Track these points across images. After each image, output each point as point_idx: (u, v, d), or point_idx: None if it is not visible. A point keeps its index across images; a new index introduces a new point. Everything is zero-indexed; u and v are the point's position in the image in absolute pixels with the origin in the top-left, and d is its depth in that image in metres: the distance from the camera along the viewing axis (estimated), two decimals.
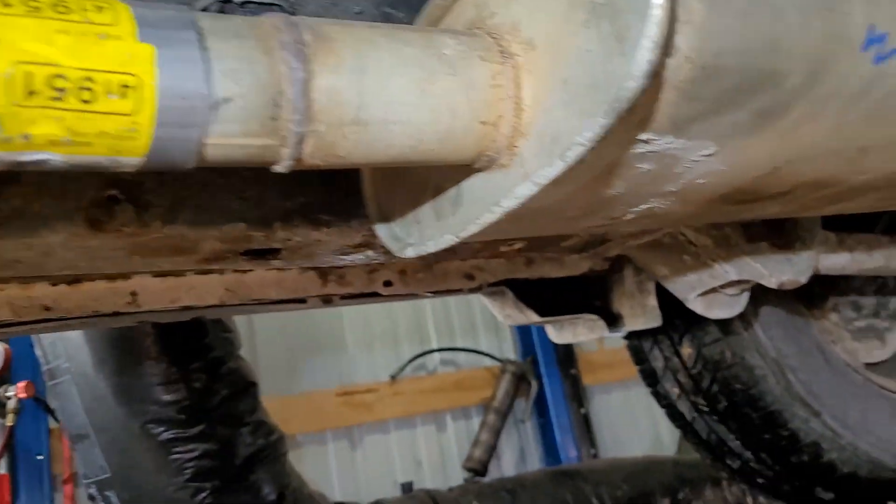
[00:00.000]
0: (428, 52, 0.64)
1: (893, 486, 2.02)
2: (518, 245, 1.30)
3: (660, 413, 2.20)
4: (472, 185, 0.76)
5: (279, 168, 0.61)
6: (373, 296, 1.41)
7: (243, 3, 0.86)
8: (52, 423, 3.21)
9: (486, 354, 4.43)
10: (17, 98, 0.47)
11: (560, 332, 1.69)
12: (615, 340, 2.12)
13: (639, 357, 2.21)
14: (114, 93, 0.50)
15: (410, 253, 0.84)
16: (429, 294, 1.48)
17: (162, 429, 2.16)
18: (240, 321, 3.08)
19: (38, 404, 3.21)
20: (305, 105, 0.58)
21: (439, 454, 4.20)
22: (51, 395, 2.25)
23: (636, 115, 0.59)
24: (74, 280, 1.16)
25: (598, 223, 0.87)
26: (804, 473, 2.00)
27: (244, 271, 1.28)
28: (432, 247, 0.79)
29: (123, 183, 0.84)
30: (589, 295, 1.72)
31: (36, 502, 3.18)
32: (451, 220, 0.79)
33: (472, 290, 1.53)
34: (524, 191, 0.65)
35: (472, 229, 0.73)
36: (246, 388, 2.36)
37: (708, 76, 0.58)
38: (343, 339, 4.12)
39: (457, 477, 4.05)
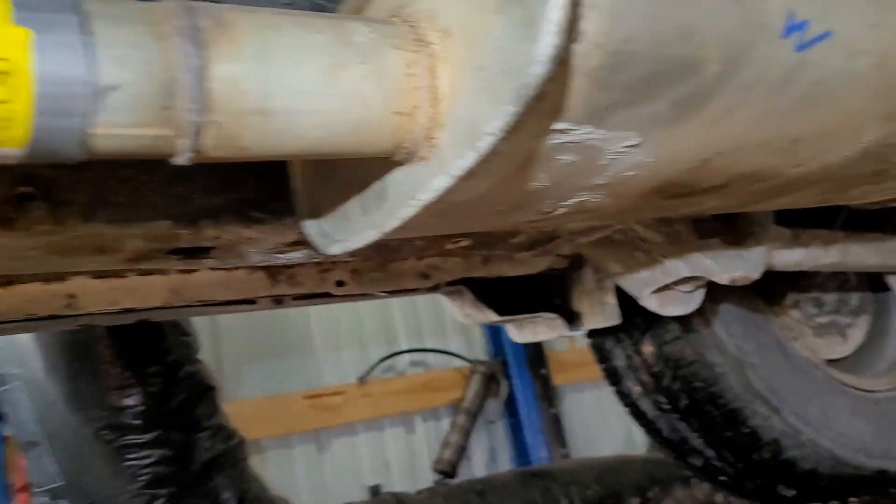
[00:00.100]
0: (338, 39, 0.62)
1: (854, 483, 2.03)
2: (464, 242, 1.28)
3: None
4: (396, 179, 0.74)
5: (179, 160, 0.59)
6: (325, 296, 1.39)
7: None
8: (7, 431, 3.14)
9: (456, 355, 4.41)
10: None
11: (520, 330, 1.67)
12: (586, 339, 2.11)
13: (601, 356, 2.20)
14: None
15: (336, 250, 0.81)
16: (383, 294, 1.46)
17: (116, 435, 2.12)
18: (203, 323, 3.04)
19: None
20: (202, 94, 0.55)
21: (408, 456, 4.17)
22: (1, 401, 2.21)
23: (547, 103, 0.57)
24: (7, 282, 1.13)
25: (530, 218, 0.85)
26: (766, 471, 2.00)
27: (188, 272, 1.25)
28: (356, 243, 0.77)
29: (37, 180, 0.81)
30: (548, 293, 1.71)
31: None
32: (376, 216, 0.77)
33: (428, 290, 1.51)
34: (440, 183, 0.63)
35: (392, 224, 0.70)
36: (204, 392, 2.33)
37: (620, 63, 0.56)
38: (310, 341, 4.08)
39: (426, 479, 4.02)
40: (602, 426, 4.67)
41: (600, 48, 0.54)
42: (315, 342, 4.10)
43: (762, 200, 1.03)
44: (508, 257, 1.52)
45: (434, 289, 1.50)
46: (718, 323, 1.93)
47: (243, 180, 0.96)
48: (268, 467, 3.65)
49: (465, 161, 0.60)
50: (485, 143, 0.58)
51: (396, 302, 4.19)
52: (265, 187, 0.98)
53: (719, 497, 3.35)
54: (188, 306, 1.30)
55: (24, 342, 2.09)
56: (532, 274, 1.64)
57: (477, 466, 4.35)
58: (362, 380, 4.05)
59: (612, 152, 0.69)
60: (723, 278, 1.41)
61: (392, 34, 0.65)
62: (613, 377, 2.17)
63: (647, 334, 2.01)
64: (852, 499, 2.12)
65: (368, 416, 4.03)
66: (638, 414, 2.18)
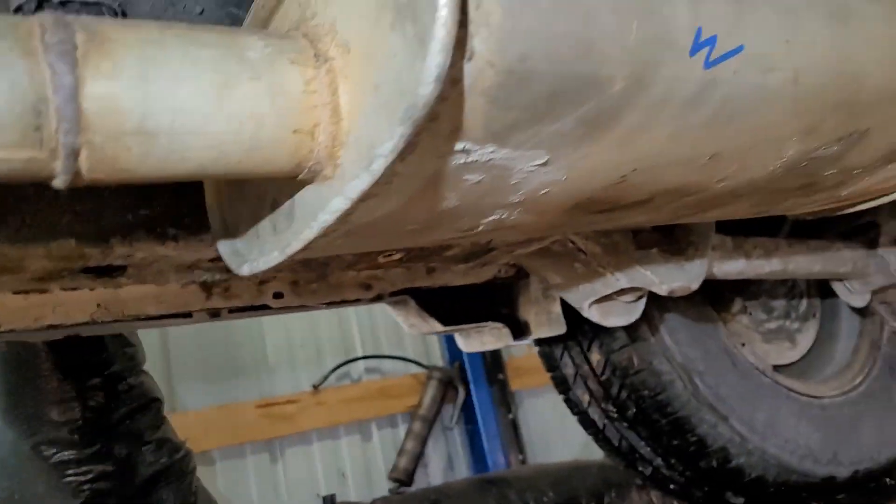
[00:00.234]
0: (228, 54, 0.59)
1: (802, 490, 2.03)
2: (397, 256, 1.25)
3: None
4: (303, 198, 0.71)
5: (57, 184, 0.55)
6: (262, 308, 1.36)
7: (63, 3, 0.79)
8: None
9: (413, 361, 4.38)
10: None
11: (467, 340, 1.66)
12: None
13: (550, 364, 2.19)
14: None
15: (246, 270, 0.78)
16: (323, 305, 1.43)
17: (54, 450, 2.06)
18: (151, 332, 2.98)
19: None
20: (74, 114, 0.52)
21: (364, 465, 4.13)
22: None
23: (443, 123, 0.55)
24: None
25: (450, 235, 0.83)
26: (714, 479, 2.00)
27: (118, 286, 1.21)
28: (263, 264, 0.74)
29: None
30: (495, 302, 1.69)
31: None
32: (284, 236, 0.74)
33: (371, 300, 1.48)
34: (338, 205, 0.61)
35: (296, 246, 0.68)
36: (148, 404, 2.27)
37: (517, 82, 0.54)
38: (263, 349, 4.01)
39: (382, 488, 3.98)
40: (560, 431, 4.66)
41: (494, 67, 0.52)
42: (268, 349, 4.03)
43: (692, 213, 1.02)
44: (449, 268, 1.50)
45: (377, 299, 1.48)
46: (665, 330, 1.93)
47: (157, 196, 0.92)
48: (219, 479, 3.59)
49: (360, 183, 0.57)
50: (379, 166, 0.55)
51: (353, 308, 4.14)
52: (181, 202, 0.94)
53: (675, 502, 3.37)
54: (117, 321, 1.26)
55: None
56: (478, 283, 1.62)
57: (434, 474, 4.32)
58: (317, 388, 4.00)
59: (522, 171, 0.66)
60: (662, 289, 1.40)
61: (289, 49, 0.63)
62: (563, 385, 2.17)
63: (595, 342, 2.01)
64: None
65: (323, 424, 3.98)
66: (587, 422, 2.18)
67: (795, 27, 0.66)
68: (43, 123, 0.52)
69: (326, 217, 0.62)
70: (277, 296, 1.37)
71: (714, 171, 0.80)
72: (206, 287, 1.30)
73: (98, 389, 2.13)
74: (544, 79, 0.55)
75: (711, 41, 0.60)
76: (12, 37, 0.52)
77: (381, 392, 4.17)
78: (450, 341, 4.52)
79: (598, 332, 1.96)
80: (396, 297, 1.49)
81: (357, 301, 1.46)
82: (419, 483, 4.07)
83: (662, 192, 0.84)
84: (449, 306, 1.57)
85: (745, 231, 1.75)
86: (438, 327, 1.55)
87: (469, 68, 0.52)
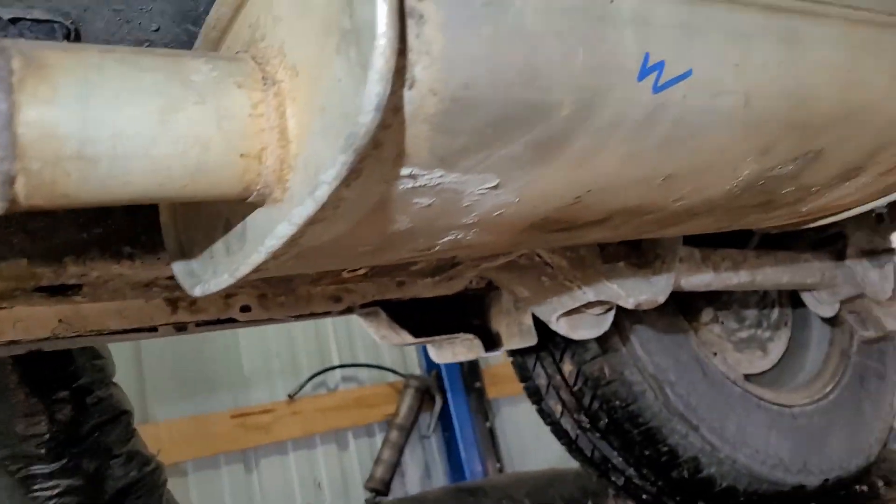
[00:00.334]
0: (171, 78, 0.58)
1: (773, 499, 2.04)
2: (362, 271, 1.25)
3: None
4: (255, 221, 0.71)
5: None
6: (230, 322, 1.35)
7: (14, 20, 0.78)
8: None
9: (390, 370, 4.36)
10: None
11: (439, 351, 1.65)
12: None
13: (523, 374, 2.19)
14: None
15: (198, 292, 0.77)
16: (291, 318, 1.42)
17: (21, 465, 2.03)
18: (123, 343, 2.94)
19: None
20: (8, 140, 0.51)
21: (340, 474, 4.09)
22: None
23: (387, 149, 0.54)
24: None
25: (406, 255, 0.83)
26: (685, 488, 2.00)
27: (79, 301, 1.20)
28: (214, 286, 0.73)
29: None
30: (467, 313, 1.69)
31: None
32: (236, 258, 0.74)
33: (341, 313, 1.47)
34: (284, 231, 0.60)
35: (244, 269, 0.67)
36: (117, 417, 2.24)
37: (462, 109, 0.54)
38: (238, 358, 3.98)
39: (359, 497, 3.96)
40: (537, 438, 4.66)
41: (437, 95, 0.52)
42: (243, 359, 3.99)
43: (654, 230, 1.02)
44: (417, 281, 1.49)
45: (347, 311, 1.47)
46: (636, 341, 1.93)
47: (112, 214, 0.91)
48: (193, 491, 3.55)
49: (305, 210, 0.57)
50: (322, 192, 0.55)
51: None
52: (138, 220, 0.93)
53: None
54: (80, 336, 1.24)
55: None
56: (449, 294, 1.61)
57: (411, 483, 4.30)
58: (292, 397, 3.97)
59: (473, 194, 0.66)
60: (629, 303, 1.40)
61: (236, 72, 0.62)
62: (536, 396, 2.17)
63: (567, 353, 2.01)
64: None
65: (299, 434, 3.94)
66: (560, 433, 2.18)
67: (745, 52, 0.67)
68: None
69: (273, 242, 0.61)
70: (245, 309, 1.36)
71: (670, 190, 0.80)
72: (172, 301, 1.29)
73: (66, 402, 2.10)
74: (489, 106, 0.55)
75: (659, 66, 0.60)
76: None
77: (357, 401, 4.15)
78: (427, 350, 4.50)
79: (571, 343, 1.96)
80: (367, 308, 1.48)
81: (327, 314, 1.45)
82: (396, 492, 4.04)
83: (620, 212, 0.84)
84: (420, 317, 1.57)
85: (713, 243, 1.75)
86: (409, 339, 1.54)
87: (411, 96, 0.52)
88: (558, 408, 2.15)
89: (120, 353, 2.38)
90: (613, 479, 2.17)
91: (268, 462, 3.85)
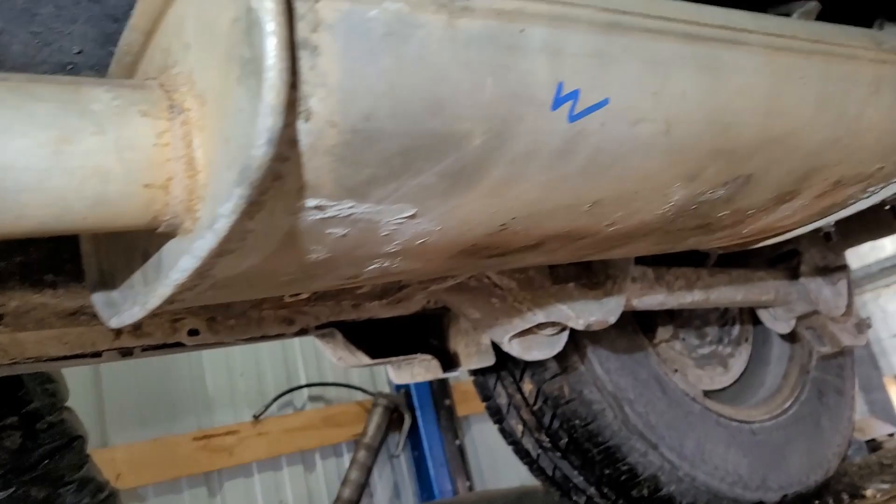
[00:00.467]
0: (67, 108, 0.56)
1: None
2: (304, 295, 1.23)
3: None
4: (169, 251, 0.69)
5: None
6: (177, 346, 1.32)
7: None
8: None
9: (358, 388, 4.31)
10: None
11: (398, 372, 1.63)
12: None
13: (485, 394, 2.18)
14: None
15: (114, 324, 0.75)
16: (242, 342, 1.39)
17: None
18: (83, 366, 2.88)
19: None
20: None
21: (307, 496, 4.03)
22: None
23: (289, 182, 0.53)
24: None
25: (335, 283, 0.81)
26: None
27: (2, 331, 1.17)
28: (128, 318, 0.71)
29: None
30: (425, 334, 1.67)
31: None
32: (152, 288, 0.71)
33: (295, 335, 1.45)
34: (187, 264, 0.58)
35: (154, 302, 0.65)
36: (69, 443, 2.19)
37: (364, 140, 0.52)
38: (201, 377, 3.91)
39: None
40: (507, 456, 4.63)
41: (336, 127, 0.50)
42: (207, 379, 3.93)
43: (593, 253, 1.01)
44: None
45: (301, 333, 1.45)
46: (596, 359, 1.93)
47: (35, 241, 0.88)
48: None
49: (206, 243, 0.55)
50: (222, 226, 0.53)
51: None
52: (62, 248, 0.91)
53: None
54: (16, 363, 1.21)
55: None
56: (406, 315, 1.60)
57: (380, 503, 4.25)
58: (258, 417, 3.90)
59: (391, 223, 0.65)
60: (579, 324, 1.39)
61: (140, 100, 0.60)
62: (497, 415, 2.16)
63: (527, 372, 2.00)
64: None
65: (264, 455, 3.88)
66: (522, 452, 2.16)
67: (664, 80, 0.66)
68: None
69: (178, 275, 0.59)
70: (193, 333, 1.33)
71: (600, 216, 0.79)
72: None
73: (14, 429, 2.05)
74: (394, 137, 0.53)
75: (574, 95, 0.59)
76: None
77: (324, 420, 4.09)
78: None
79: (530, 363, 1.95)
80: (323, 330, 1.46)
81: (280, 336, 1.43)
82: None
83: (552, 237, 0.83)
84: (378, 338, 1.55)
85: (668, 262, 1.75)
86: (366, 360, 1.52)
87: (308, 128, 0.50)
88: (519, 427, 2.14)
89: (77, 376, 2.33)
90: (575, 498, 2.15)
91: (232, 485, 3.78)
